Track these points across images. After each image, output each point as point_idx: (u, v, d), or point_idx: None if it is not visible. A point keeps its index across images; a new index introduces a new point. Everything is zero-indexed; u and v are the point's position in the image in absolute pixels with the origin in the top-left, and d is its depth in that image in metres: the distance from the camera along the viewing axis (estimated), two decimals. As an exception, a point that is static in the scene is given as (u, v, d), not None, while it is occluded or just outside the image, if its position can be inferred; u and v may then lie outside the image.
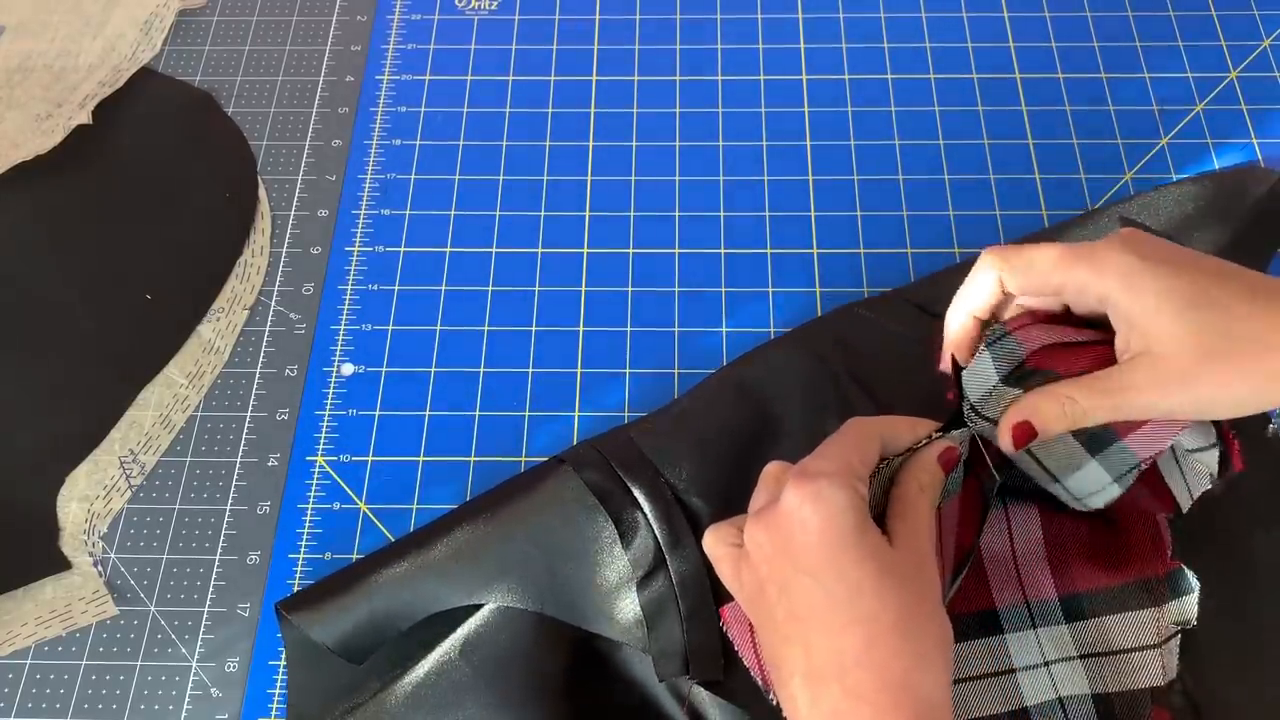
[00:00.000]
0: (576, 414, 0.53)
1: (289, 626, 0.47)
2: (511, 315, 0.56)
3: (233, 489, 0.52)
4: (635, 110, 0.63)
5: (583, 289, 0.57)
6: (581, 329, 0.56)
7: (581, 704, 0.45)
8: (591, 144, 0.62)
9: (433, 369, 0.55)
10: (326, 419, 0.54)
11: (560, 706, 0.45)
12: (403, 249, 0.59)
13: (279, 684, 0.48)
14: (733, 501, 0.46)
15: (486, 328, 0.56)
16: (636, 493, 0.47)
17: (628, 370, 0.54)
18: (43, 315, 0.56)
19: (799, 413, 0.50)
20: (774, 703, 0.38)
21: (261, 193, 0.61)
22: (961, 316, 0.42)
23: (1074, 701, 0.43)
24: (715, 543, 0.39)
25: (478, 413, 0.54)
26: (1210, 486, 0.41)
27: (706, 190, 0.60)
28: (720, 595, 0.44)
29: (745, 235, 0.58)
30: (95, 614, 0.49)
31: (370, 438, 0.53)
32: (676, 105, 0.63)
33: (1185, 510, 0.43)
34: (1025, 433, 0.38)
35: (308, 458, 0.53)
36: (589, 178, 0.60)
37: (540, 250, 0.58)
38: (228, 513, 0.52)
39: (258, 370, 0.55)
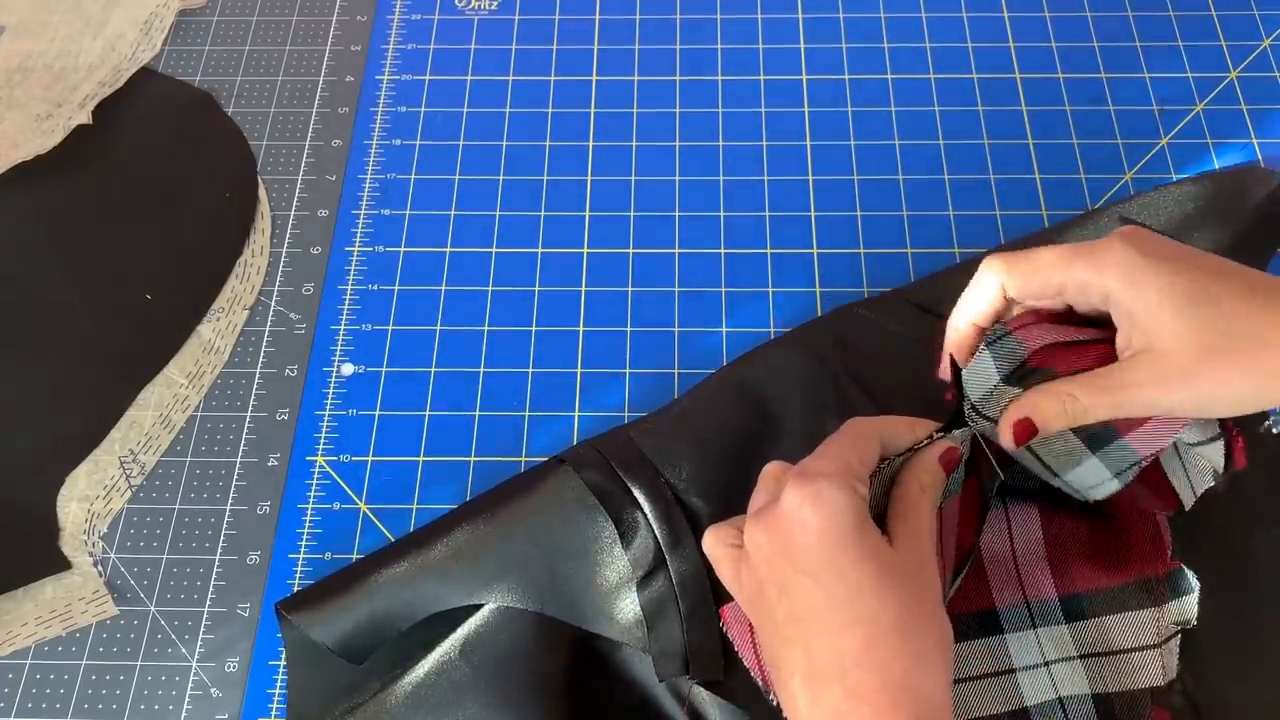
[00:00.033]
0: (576, 414, 0.53)
1: (289, 626, 0.47)
2: (511, 315, 0.56)
3: (233, 489, 0.52)
4: (635, 110, 0.63)
5: (583, 289, 0.57)
6: (581, 329, 0.56)
7: (581, 704, 0.45)
8: (591, 144, 0.62)
9: (433, 369, 0.55)
10: (326, 419, 0.54)
11: (560, 706, 0.45)
12: (403, 249, 0.59)
13: (279, 684, 0.48)
14: (733, 501, 0.46)
15: (486, 328, 0.56)
16: (636, 493, 0.47)
17: (628, 370, 0.54)
18: (43, 315, 0.56)
19: (799, 413, 0.50)
20: (774, 703, 0.38)
21: (261, 193, 0.61)
22: (963, 325, 0.42)
23: (1074, 701, 0.43)
24: (715, 543, 0.39)
25: (478, 413, 0.54)
26: (1214, 484, 0.41)
27: (706, 190, 0.60)
28: (720, 595, 0.44)
29: (745, 235, 0.58)
30: (95, 614, 0.49)
31: (370, 438, 0.53)
32: (676, 105, 0.63)
33: (1188, 508, 0.43)
34: (1026, 429, 0.38)
35: (308, 458, 0.53)
36: (589, 178, 0.60)
37: (540, 250, 0.58)
38: (228, 513, 0.52)
39: (258, 370, 0.55)
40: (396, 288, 0.57)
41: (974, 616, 0.45)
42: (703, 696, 0.44)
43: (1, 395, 0.54)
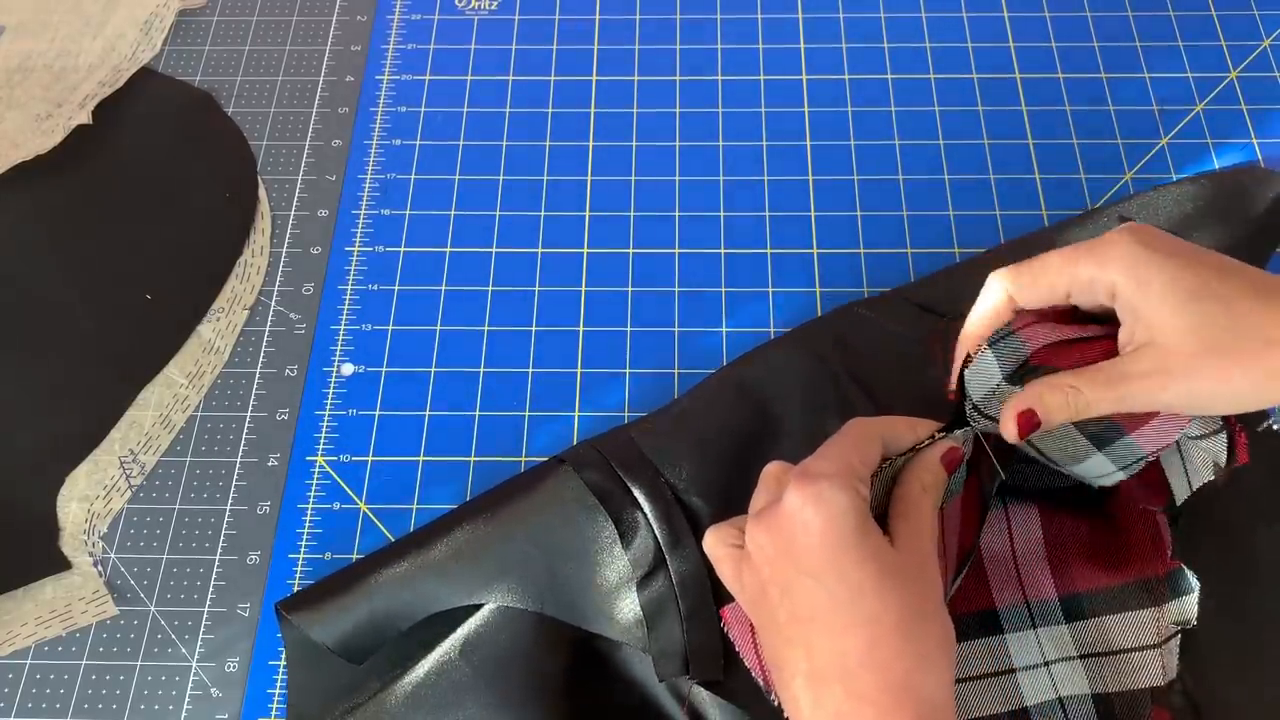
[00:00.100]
0: (576, 414, 0.53)
1: (289, 626, 0.47)
2: (511, 315, 0.56)
3: (233, 489, 0.52)
4: (635, 110, 0.63)
5: (583, 289, 0.57)
6: (581, 329, 0.56)
7: (581, 704, 0.45)
8: (591, 144, 0.62)
9: (433, 369, 0.55)
10: (326, 419, 0.54)
11: (560, 706, 0.45)
12: (403, 249, 0.59)
13: (279, 684, 0.48)
14: (733, 501, 0.46)
15: (486, 328, 0.56)
16: (636, 493, 0.47)
17: (628, 370, 0.54)
18: (43, 315, 0.56)
19: (799, 413, 0.50)
20: (775, 703, 0.38)
21: (261, 193, 0.61)
22: (974, 342, 0.42)
23: (1074, 701, 0.43)
24: (716, 543, 0.39)
25: (478, 413, 0.53)
26: (1213, 478, 0.41)
27: (706, 190, 0.60)
28: (720, 595, 0.44)
29: (745, 235, 0.58)
30: (95, 614, 0.49)
31: (370, 438, 0.53)
32: (676, 105, 0.63)
33: (1180, 502, 0.43)
34: (1029, 421, 0.38)
35: (308, 458, 0.53)
36: (589, 178, 0.60)
37: (540, 250, 0.58)
38: (228, 513, 0.52)
39: (258, 370, 0.55)
40: (396, 288, 0.57)
41: (974, 616, 0.45)
42: (703, 696, 0.44)
43: (1, 395, 0.54)
